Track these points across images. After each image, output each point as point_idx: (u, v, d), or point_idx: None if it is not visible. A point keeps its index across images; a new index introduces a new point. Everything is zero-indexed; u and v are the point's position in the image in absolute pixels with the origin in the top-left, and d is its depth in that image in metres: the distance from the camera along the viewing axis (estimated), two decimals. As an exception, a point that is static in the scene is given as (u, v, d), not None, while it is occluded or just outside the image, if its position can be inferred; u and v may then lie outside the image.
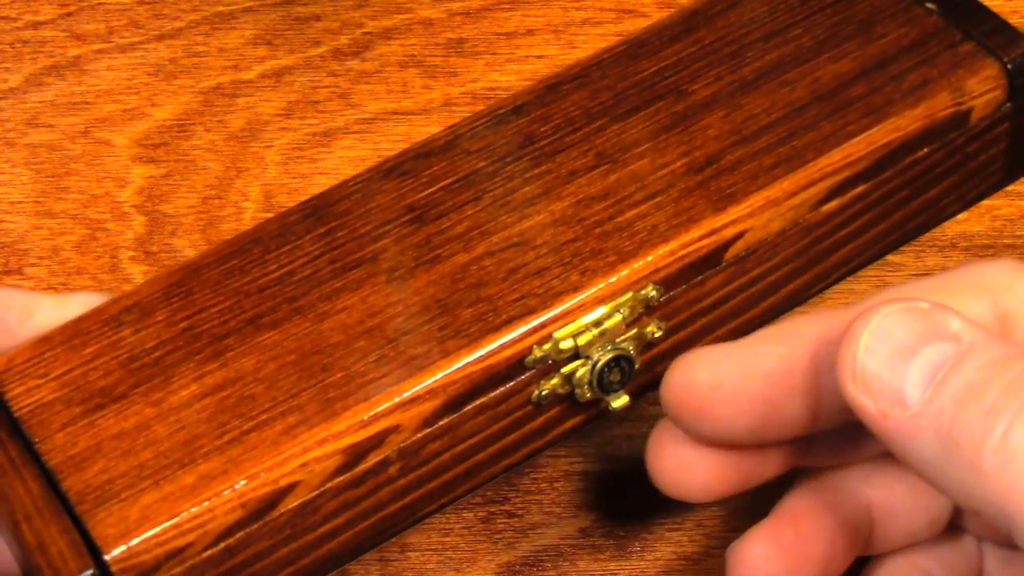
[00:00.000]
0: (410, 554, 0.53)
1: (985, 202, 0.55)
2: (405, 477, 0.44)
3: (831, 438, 0.44)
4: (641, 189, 0.46)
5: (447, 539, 0.53)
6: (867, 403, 0.38)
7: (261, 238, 0.47)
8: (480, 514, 0.54)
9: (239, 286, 0.46)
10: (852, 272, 0.50)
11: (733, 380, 0.42)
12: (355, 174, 0.49)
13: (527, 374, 0.44)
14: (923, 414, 0.37)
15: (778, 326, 0.42)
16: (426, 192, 0.47)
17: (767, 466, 0.44)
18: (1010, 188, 0.55)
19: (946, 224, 0.55)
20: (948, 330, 0.37)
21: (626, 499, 0.54)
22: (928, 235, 0.55)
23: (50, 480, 0.42)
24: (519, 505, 0.54)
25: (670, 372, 0.43)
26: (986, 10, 0.50)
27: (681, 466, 0.44)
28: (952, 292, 0.41)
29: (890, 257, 0.55)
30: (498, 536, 0.53)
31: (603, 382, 0.45)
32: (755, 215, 0.46)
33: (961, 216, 0.56)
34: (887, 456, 0.42)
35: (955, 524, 0.46)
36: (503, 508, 0.54)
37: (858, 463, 0.45)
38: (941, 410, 0.36)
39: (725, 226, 0.45)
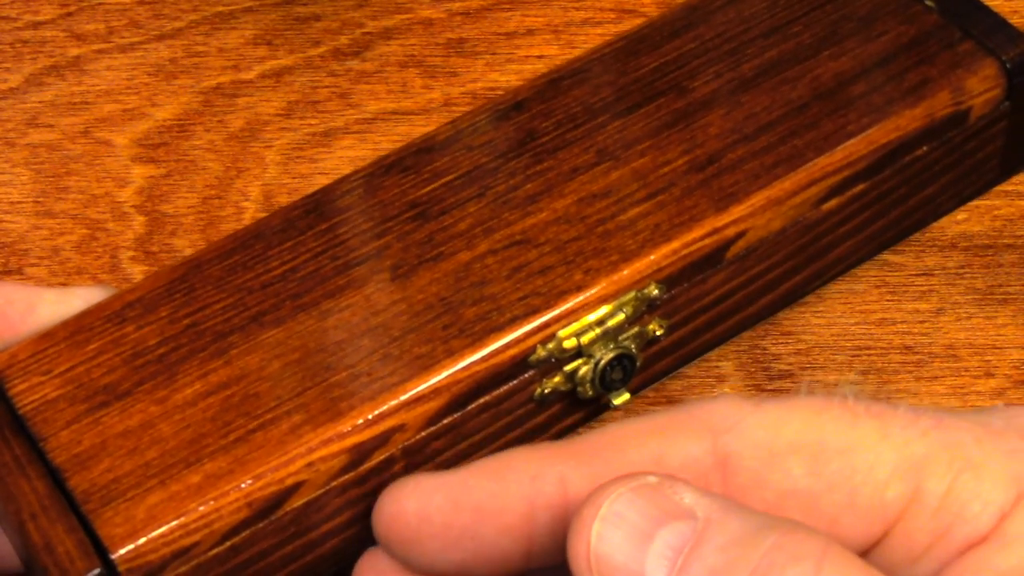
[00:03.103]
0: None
1: (985, 202, 0.55)
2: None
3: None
4: (643, 187, 0.47)
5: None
6: None
7: (263, 234, 0.47)
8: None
9: (242, 282, 0.46)
10: (850, 268, 0.50)
11: (442, 513, 0.40)
12: (356, 170, 0.49)
13: (530, 372, 0.44)
14: None
15: (493, 460, 0.40)
16: (428, 188, 0.48)
17: None
18: (1010, 188, 0.55)
19: (946, 224, 0.55)
20: (681, 506, 0.36)
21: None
22: (928, 235, 0.55)
23: (55, 479, 0.42)
24: (520, 503, 0.54)
25: (381, 499, 0.41)
26: (985, 9, 0.50)
27: None
28: (671, 433, 0.39)
29: (890, 257, 0.55)
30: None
31: (605, 380, 0.45)
32: (756, 214, 0.46)
33: (961, 216, 0.56)
34: None
35: None
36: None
37: None
38: None
39: (727, 225, 0.46)
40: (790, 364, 0.54)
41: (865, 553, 0.38)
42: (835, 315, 0.54)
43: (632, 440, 0.39)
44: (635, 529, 0.35)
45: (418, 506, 0.40)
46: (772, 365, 0.54)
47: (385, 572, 0.41)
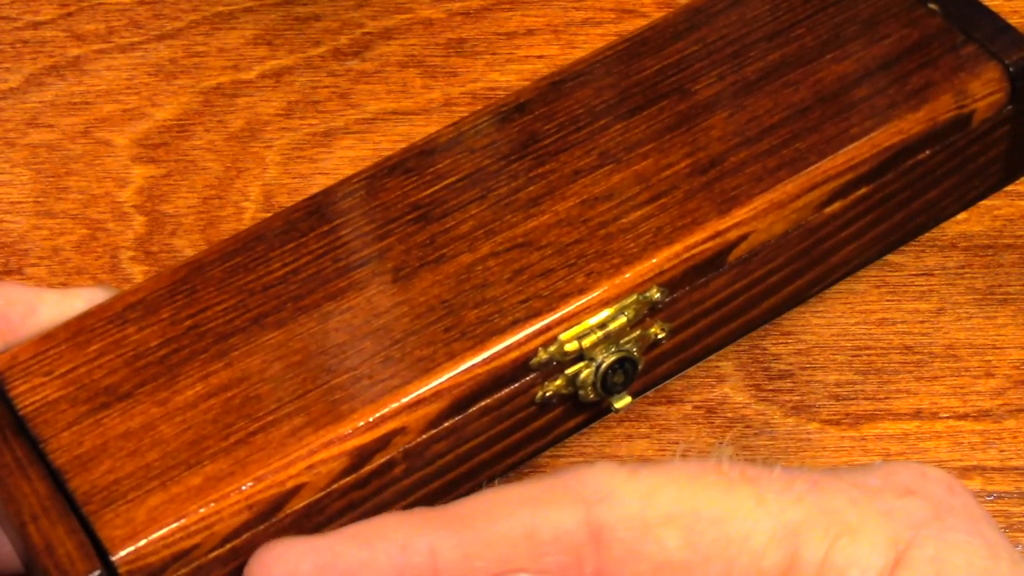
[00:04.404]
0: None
1: (985, 202, 0.55)
2: (409, 477, 0.44)
3: None
4: (645, 190, 0.47)
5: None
6: None
7: (265, 235, 0.47)
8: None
9: (244, 284, 0.46)
10: (852, 272, 0.50)
11: None
12: (358, 171, 0.49)
13: (531, 375, 0.44)
14: None
15: (363, 525, 0.40)
16: (430, 190, 0.47)
17: None
18: (1010, 188, 0.55)
19: (946, 224, 0.55)
20: None
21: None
22: (928, 235, 0.55)
23: (56, 480, 0.42)
24: (520, 504, 0.54)
25: (251, 561, 0.40)
26: (988, 12, 0.50)
27: None
28: (543, 504, 0.39)
29: (891, 257, 0.55)
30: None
31: (607, 383, 0.45)
32: (759, 218, 0.46)
33: (961, 216, 0.56)
34: None
35: None
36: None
37: None
38: None
39: (729, 229, 0.46)
40: (790, 364, 0.54)
41: None
42: (835, 315, 0.55)
43: (504, 510, 0.39)
44: None
45: (287, 570, 0.39)
46: (772, 365, 0.54)
47: None
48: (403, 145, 0.49)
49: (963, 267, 0.56)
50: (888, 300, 0.55)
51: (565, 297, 0.44)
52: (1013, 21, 0.51)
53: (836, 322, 0.54)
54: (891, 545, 0.37)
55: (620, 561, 0.38)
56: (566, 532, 0.39)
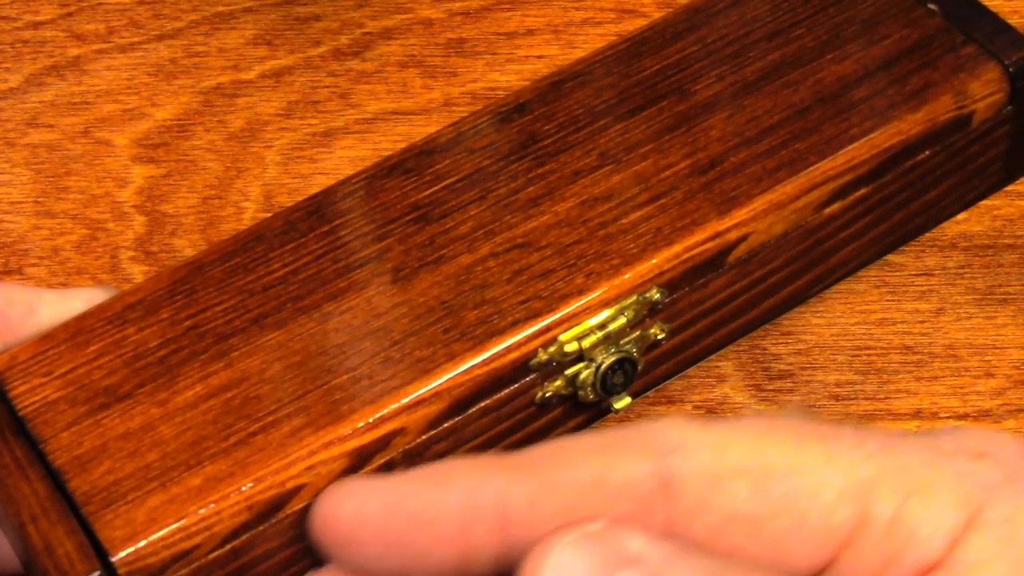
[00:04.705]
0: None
1: (985, 202, 0.55)
2: (409, 478, 0.44)
3: None
4: (645, 190, 0.47)
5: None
6: None
7: (265, 236, 0.47)
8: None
9: (243, 284, 0.46)
10: (852, 272, 0.50)
11: (377, 518, 0.39)
12: (358, 171, 0.49)
13: (531, 376, 0.44)
14: None
15: (433, 467, 0.40)
16: (430, 191, 0.47)
17: None
18: (1010, 188, 0.55)
19: (946, 224, 0.55)
20: (628, 554, 0.35)
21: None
22: (928, 235, 0.55)
23: (56, 480, 0.42)
24: (520, 505, 0.54)
25: (318, 501, 0.40)
26: (988, 12, 0.50)
27: None
28: (614, 453, 0.38)
29: (891, 257, 0.55)
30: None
31: (607, 384, 0.45)
32: (758, 218, 0.46)
33: (961, 216, 0.56)
34: None
35: None
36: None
37: None
38: None
39: (729, 229, 0.46)
40: (790, 364, 0.54)
41: None
42: (835, 315, 0.54)
43: (574, 458, 0.39)
44: None
45: (354, 510, 0.39)
46: (772, 365, 0.54)
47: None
48: (403, 145, 0.49)
49: (963, 267, 0.56)
50: (888, 300, 0.55)
51: (565, 298, 0.44)
52: (1013, 21, 0.50)
53: (836, 322, 0.54)
54: (963, 506, 0.37)
55: (689, 512, 0.38)
56: (636, 481, 0.38)
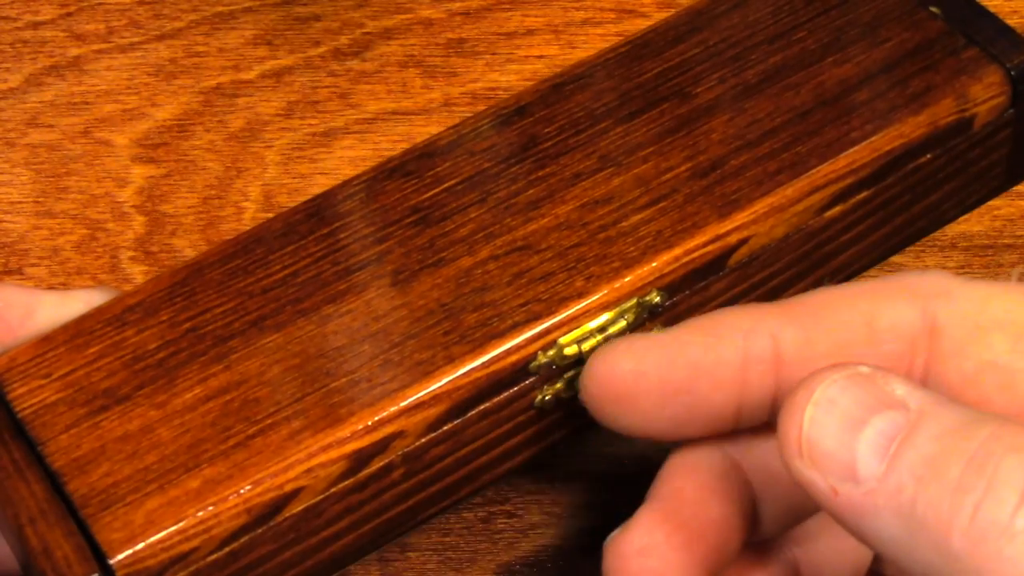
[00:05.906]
0: (410, 554, 0.53)
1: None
2: (408, 481, 0.44)
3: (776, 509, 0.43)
4: (645, 193, 0.46)
5: (447, 539, 0.53)
6: (816, 479, 0.36)
7: (264, 238, 0.47)
8: (480, 514, 0.54)
9: (243, 287, 0.46)
10: (853, 275, 0.50)
11: (658, 369, 0.41)
12: (358, 174, 0.49)
13: (531, 379, 0.44)
14: (879, 491, 0.35)
15: (706, 317, 0.42)
16: (430, 193, 0.47)
17: None
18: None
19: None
20: (893, 397, 0.36)
21: (626, 499, 0.54)
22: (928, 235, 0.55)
23: (54, 483, 0.42)
24: (519, 505, 0.54)
25: (592, 361, 0.41)
26: (990, 15, 0.50)
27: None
28: (882, 296, 0.40)
29: (891, 257, 0.55)
30: (498, 536, 0.54)
31: (607, 386, 0.45)
32: (759, 222, 0.46)
33: (961, 216, 0.56)
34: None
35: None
36: (503, 508, 0.54)
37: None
38: (900, 487, 0.34)
39: (729, 232, 0.45)
40: (791, 368, 0.53)
41: None
42: (836, 318, 0.54)
43: (843, 301, 0.40)
44: (848, 416, 0.36)
45: (633, 364, 0.41)
46: (772, 368, 0.54)
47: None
48: (403, 145, 0.49)
49: (963, 267, 0.56)
50: (889, 302, 0.55)
51: (565, 301, 0.44)
52: (1013, 22, 0.50)
53: (836, 324, 0.54)
54: None
55: (947, 356, 0.39)
56: (904, 322, 0.40)
